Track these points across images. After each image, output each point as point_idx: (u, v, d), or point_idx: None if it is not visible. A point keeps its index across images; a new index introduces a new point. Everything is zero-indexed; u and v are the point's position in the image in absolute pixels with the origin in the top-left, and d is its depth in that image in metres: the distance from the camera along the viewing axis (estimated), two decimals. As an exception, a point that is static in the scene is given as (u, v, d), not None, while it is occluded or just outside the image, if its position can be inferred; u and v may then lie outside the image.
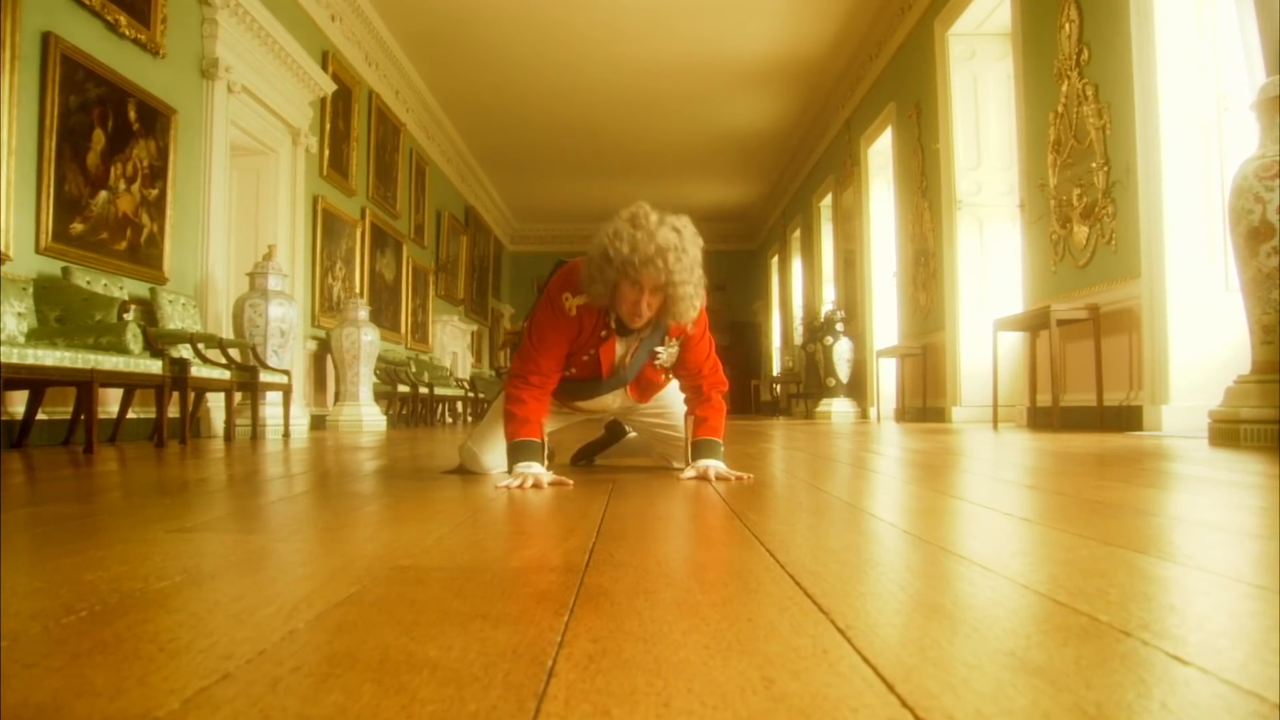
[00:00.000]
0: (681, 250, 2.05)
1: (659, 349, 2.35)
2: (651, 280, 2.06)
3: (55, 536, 1.37)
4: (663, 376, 2.46)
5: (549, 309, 2.25)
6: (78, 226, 4.85)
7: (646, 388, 2.47)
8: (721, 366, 2.48)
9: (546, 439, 2.48)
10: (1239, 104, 4.68)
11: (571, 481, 2.10)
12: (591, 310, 2.23)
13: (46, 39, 4.63)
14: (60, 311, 4.47)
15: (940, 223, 7.99)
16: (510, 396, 2.28)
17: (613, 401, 2.52)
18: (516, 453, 2.20)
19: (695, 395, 2.45)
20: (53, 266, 4.67)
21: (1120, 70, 5.17)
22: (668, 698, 0.58)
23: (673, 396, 2.62)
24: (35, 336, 4.22)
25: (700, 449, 2.33)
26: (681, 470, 2.39)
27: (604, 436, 2.89)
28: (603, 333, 2.27)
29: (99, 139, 5.04)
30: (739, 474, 2.20)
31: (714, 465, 2.24)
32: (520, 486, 2.02)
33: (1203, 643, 0.69)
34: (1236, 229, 3.44)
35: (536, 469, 2.11)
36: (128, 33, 5.25)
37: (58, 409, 4.68)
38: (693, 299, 2.13)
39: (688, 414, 2.46)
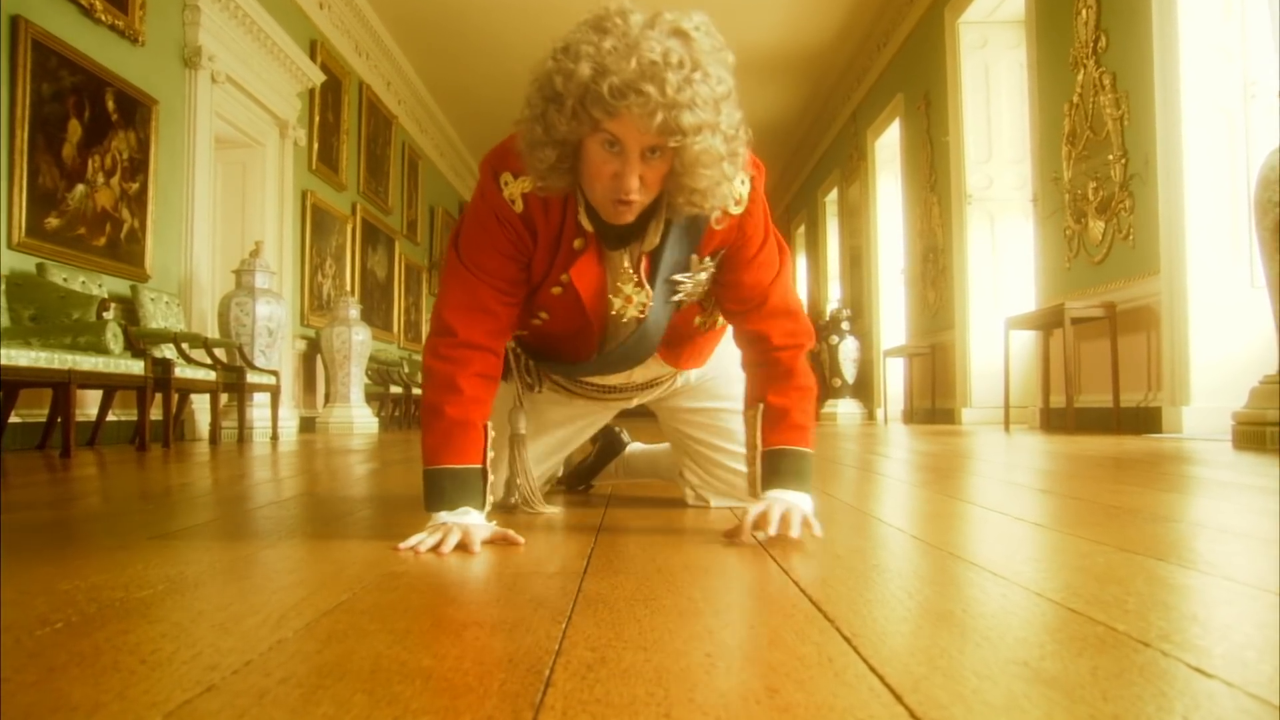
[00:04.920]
0: (693, 64, 1.14)
1: (679, 277, 1.42)
2: (639, 123, 1.14)
3: (29, 544, 1.37)
4: (698, 319, 1.54)
5: (479, 205, 1.38)
6: (53, 221, 4.85)
7: (675, 341, 1.56)
8: (801, 303, 1.52)
9: (556, 460, 1.82)
10: (1267, 91, 4.67)
11: (522, 540, 1.29)
12: (549, 204, 1.34)
13: (16, 23, 4.61)
14: (35, 310, 4.46)
15: (950, 218, 7.99)
16: (430, 376, 1.38)
17: (632, 374, 1.62)
18: (436, 488, 1.33)
19: (762, 359, 1.46)
20: (26, 263, 4.67)
21: (1140, 57, 5.17)
22: (668, 708, 0.58)
23: (727, 362, 1.67)
24: (8, 336, 4.22)
25: (777, 468, 1.39)
26: (739, 507, 1.57)
27: (592, 453, 2.08)
28: (575, 242, 1.36)
29: (75, 130, 5.03)
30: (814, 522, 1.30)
31: (797, 505, 1.31)
32: (435, 549, 1.22)
33: (1227, 655, 0.69)
34: (1263, 222, 3.44)
35: (471, 517, 1.31)
36: (104, 18, 5.24)
37: (33, 411, 4.67)
38: (727, 157, 1.21)
39: (749, 403, 1.49)
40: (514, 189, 1.34)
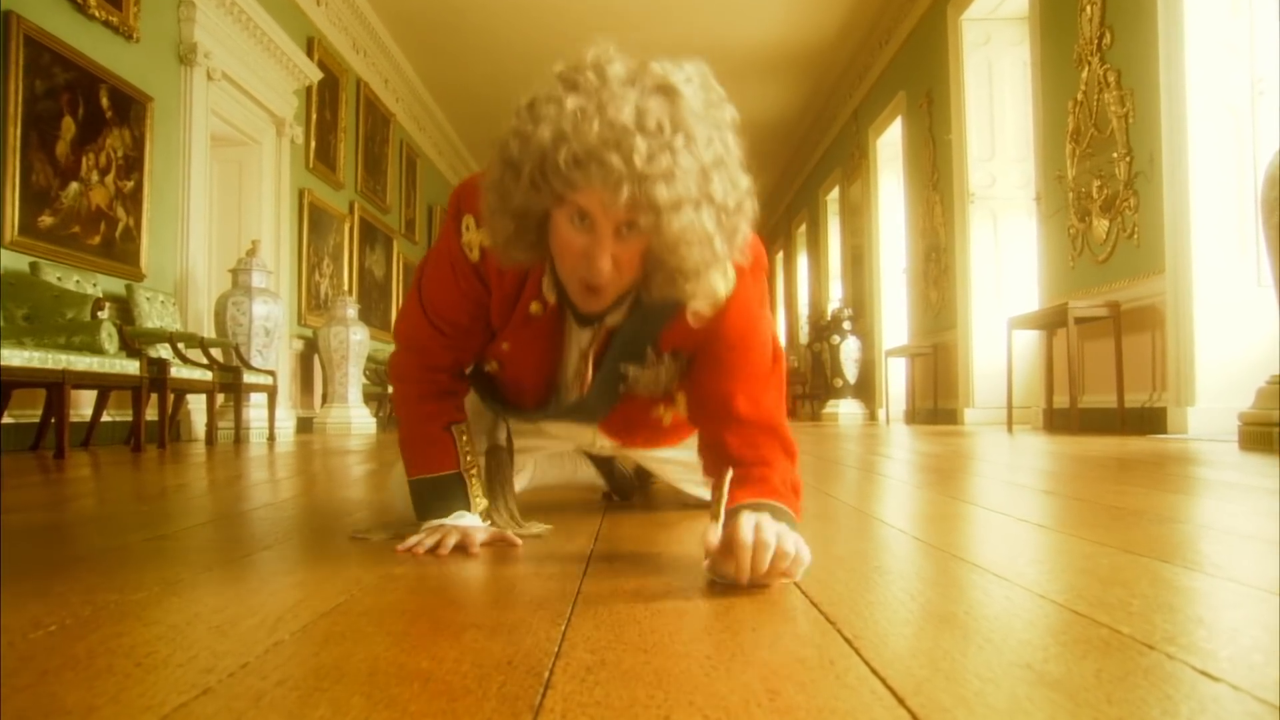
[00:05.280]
0: (674, 126, 0.97)
1: (630, 369, 1.29)
2: (604, 197, 0.97)
3: (22, 546, 1.37)
4: (661, 411, 1.41)
5: (440, 242, 1.29)
6: (47, 220, 4.85)
7: (628, 427, 1.47)
8: (784, 396, 1.31)
9: (568, 469, 1.80)
10: (1275, 88, 4.67)
11: (520, 540, 1.29)
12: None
13: (8, 19, 4.61)
14: (28, 309, 4.46)
15: (952, 217, 7.99)
16: (400, 388, 1.38)
17: (586, 436, 1.53)
18: (424, 497, 1.32)
19: (729, 448, 1.22)
20: (19, 262, 4.66)
21: (1145, 54, 5.16)
22: (668, 711, 0.58)
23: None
24: (1, 336, 4.22)
25: (753, 505, 1.10)
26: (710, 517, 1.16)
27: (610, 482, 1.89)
28: (532, 306, 1.24)
29: (69, 127, 5.03)
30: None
31: (775, 526, 0.99)
32: (434, 550, 1.21)
33: (1234, 658, 0.69)
34: (1269, 220, 3.43)
35: (467, 520, 1.29)
36: (98, 14, 5.24)
37: (26, 412, 4.67)
38: (721, 234, 1.02)
39: (707, 454, 1.29)
40: (474, 236, 1.20)
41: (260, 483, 2.57)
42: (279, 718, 0.58)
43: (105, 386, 4.61)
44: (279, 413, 6.45)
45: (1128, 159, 5.36)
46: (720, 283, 1.12)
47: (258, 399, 6.29)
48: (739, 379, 1.23)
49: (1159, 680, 0.63)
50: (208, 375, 5.40)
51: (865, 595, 0.94)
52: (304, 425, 7.89)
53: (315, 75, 8.04)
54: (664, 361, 1.28)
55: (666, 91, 0.98)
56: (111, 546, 1.34)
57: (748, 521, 0.97)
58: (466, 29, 9.48)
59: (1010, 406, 6.40)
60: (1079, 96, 5.85)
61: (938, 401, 8.50)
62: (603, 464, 1.83)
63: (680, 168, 0.96)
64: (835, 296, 12.45)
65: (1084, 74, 5.78)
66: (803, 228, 14.98)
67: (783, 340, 17.12)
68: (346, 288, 9.06)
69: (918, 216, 9.03)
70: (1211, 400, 4.72)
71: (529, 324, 1.25)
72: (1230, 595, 0.94)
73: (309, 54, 8.05)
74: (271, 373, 6.26)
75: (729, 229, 1.03)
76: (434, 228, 12.70)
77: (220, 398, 5.85)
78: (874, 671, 0.66)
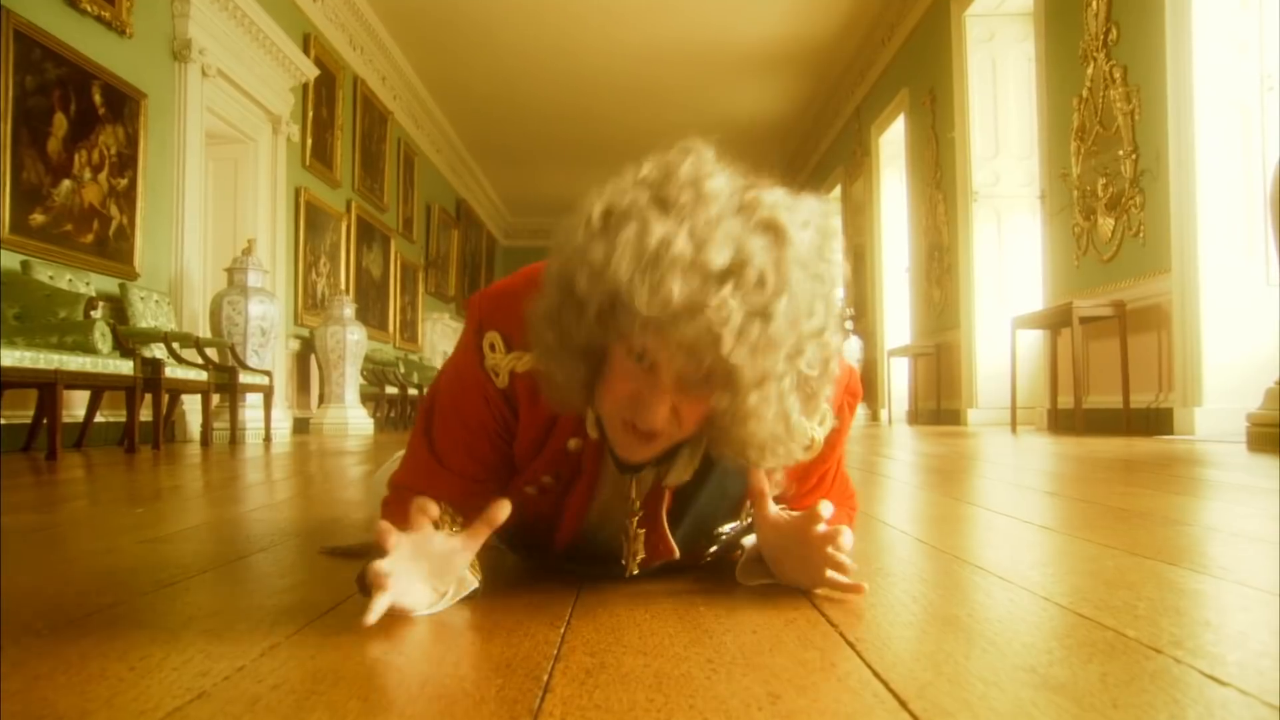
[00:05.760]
0: (778, 286, 0.81)
1: (725, 530, 1.12)
2: (678, 355, 0.82)
3: (13, 549, 1.37)
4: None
5: (460, 358, 1.05)
6: (38, 217, 4.85)
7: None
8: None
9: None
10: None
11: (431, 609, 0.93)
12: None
13: (-3, 13, 4.61)
14: (20, 308, 4.46)
15: (955, 215, 7.99)
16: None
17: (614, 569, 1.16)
18: (393, 504, 1.04)
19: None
20: (10, 260, 4.66)
21: (1152, 50, 5.16)
22: (669, 714, 0.58)
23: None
24: (-4, 335, 4.22)
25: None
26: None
27: None
28: (570, 442, 1.02)
29: (60, 124, 5.03)
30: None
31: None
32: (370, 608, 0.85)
33: (1242, 662, 0.69)
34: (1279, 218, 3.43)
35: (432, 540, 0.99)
36: (90, 9, 5.23)
37: (17, 412, 4.67)
38: (801, 406, 0.91)
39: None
40: (501, 360, 0.99)
41: (256, 484, 2.57)
42: (274, 722, 0.58)
43: (98, 387, 4.60)
44: (275, 413, 6.45)
45: (1134, 156, 5.36)
46: (799, 444, 0.94)
47: (254, 399, 6.29)
48: (818, 494, 1.11)
49: (1166, 685, 0.63)
50: (203, 375, 5.40)
51: (868, 598, 0.95)
52: (300, 426, 7.89)
53: (311, 72, 8.04)
54: (733, 520, 1.10)
55: (775, 232, 0.82)
56: (104, 549, 1.34)
57: (826, 507, 0.96)
58: (465, 25, 9.48)
59: (1014, 407, 6.40)
60: (1084, 93, 5.85)
61: (940, 402, 8.50)
62: None
63: (772, 341, 0.81)
64: (837, 296, 12.44)
65: (1089, 70, 5.78)
66: (804, 226, 14.96)
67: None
68: (343, 287, 9.06)
69: (920, 215, 9.03)
70: (1219, 401, 4.72)
71: (563, 461, 1.03)
72: (1238, 598, 0.94)
73: (305, 51, 8.05)
74: (267, 373, 6.26)
75: (806, 394, 0.90)
76: (432, 226, 12.71)
77: (215, 398, 5.85)
78: (876, 675, 0.66)
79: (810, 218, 0.85)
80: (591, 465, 1.02)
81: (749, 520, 1.08)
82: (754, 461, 0.93)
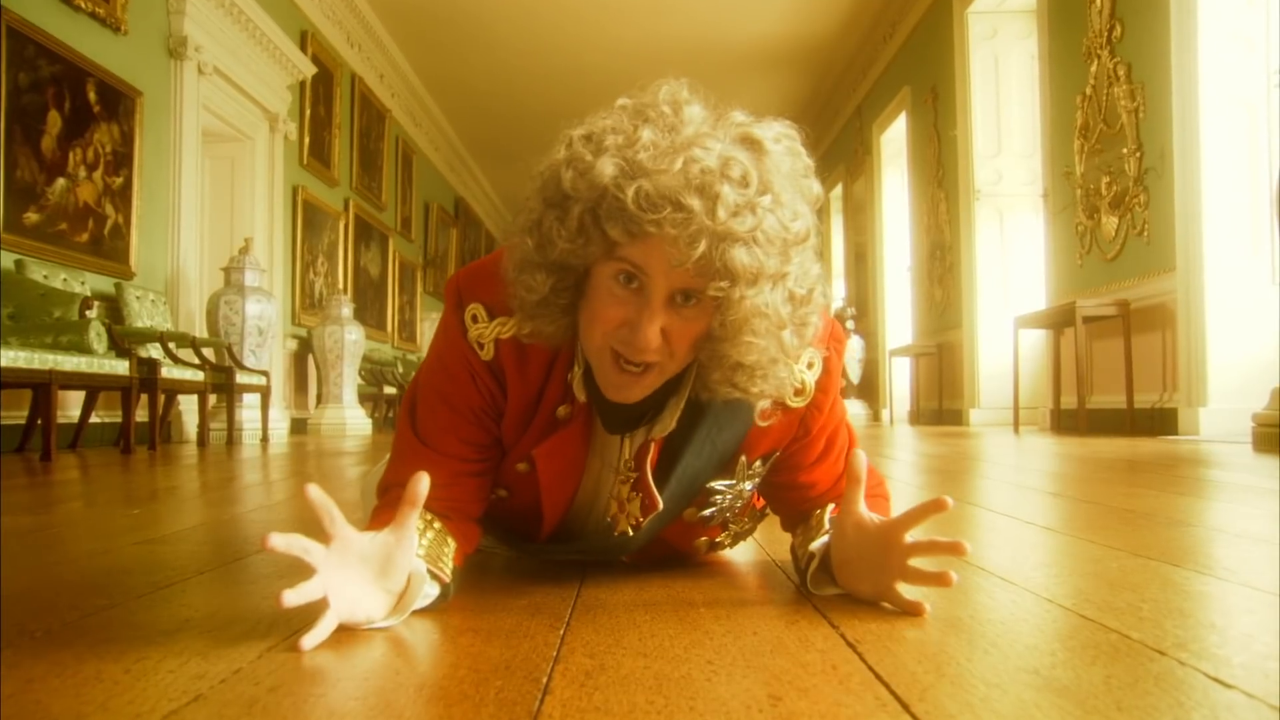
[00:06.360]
0: (762, 185, 0.83)
1: (719, 485, 1.06)
2: (672, 251, 0.82)
3: (8, 551, 1.37)
4: (702, 541, 1.16)
5: (441, 342, 1.04)
6: (32, 216, 4.84)
7: (655, 559, 1.17)
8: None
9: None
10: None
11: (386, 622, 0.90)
12: (527, 355, 0.98)
13: (-10, 11, 4.61)
14: (14, 308, 4.46)
15: (957, 214, 7.99)
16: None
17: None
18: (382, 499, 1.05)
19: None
20: (5, 259, 4.66)
21: (1157, 47, 5.17)
22: (669, 716, 0.58)
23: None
24: (-8, 335, 4.22)
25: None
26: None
27: None
28: (559, 410, 1.00)
29: (55, 121, 5.02)
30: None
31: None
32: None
33: (1248, 665, 0.69)
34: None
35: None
36: (84, 6, 5.23)
37: (11, 413, 4.67)
38: (791, 325, 0.89)
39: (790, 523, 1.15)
40: (485, 330, 0.98)
41: (253, 485, 2.57)
42: (272, 724, 0.58)
43: (94, 387, 4.60)
44: (272, 413, 6.44)
45: (1138, 154, 5.36)
46: (788, 380, 0.94)
47: (251, 399, 6.29)
48: (827, 468, 1.08)
49: (1170, 687, 0.63)
50: (199, 375, 5.40)
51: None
52: (298, 426, 7.89)
53: (309, 70, 8.04)
54: (755, 470, 1.05)
55: (753, 143, 0.85)
56: (100, 550, 1.34)
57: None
58: (463, 23, 9.48)
59: (1016, 407, 6.40)
60: (1088, 91, 5.85)
61: (942, 402, 8.50)
62: None
63: (765, 233, 0.81)
64: (839, 295, 12.45)
65: (1093, 68, 5.78)
66: (806, 225, 14.97)
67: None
68: (341, 286, 9.06)
69: (922, 214, 9.03)
70: (1224, 401, 4.72)
71: (553, 433, 1.00)
72: (1243, 600, 0.94)
73: (302, 48, 8.05)
74: (265, 373, 6.25)
75: (800, 320, 0.89)
76: (430, 225, 12.69)
77: (212, 398, 5.85)
78: (878, 677, 0.66)
79: (780, 135, 0.89)
80: (579, 433, 1.00)
81: (746, 483, 1.06)
82: (743, 388, 0.91)
